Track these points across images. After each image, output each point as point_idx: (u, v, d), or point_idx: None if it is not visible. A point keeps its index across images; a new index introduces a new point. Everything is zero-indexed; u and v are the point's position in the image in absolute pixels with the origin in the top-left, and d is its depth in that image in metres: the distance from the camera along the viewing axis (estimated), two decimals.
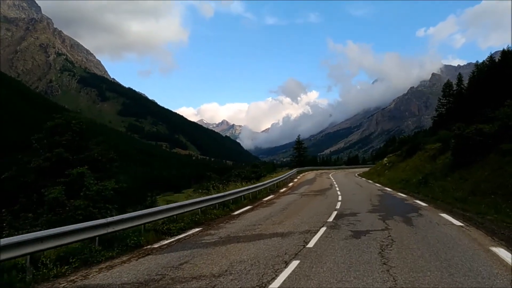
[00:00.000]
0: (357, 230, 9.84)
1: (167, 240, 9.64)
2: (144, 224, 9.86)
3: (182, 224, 11.24)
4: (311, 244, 8.31)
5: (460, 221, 10.87)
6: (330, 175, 47.25)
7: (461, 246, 7.75)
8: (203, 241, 9.37)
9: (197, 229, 11.05)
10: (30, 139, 20.33)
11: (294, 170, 49.07)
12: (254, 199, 19.21)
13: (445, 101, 58.39)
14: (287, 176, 35.49)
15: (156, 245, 9.00)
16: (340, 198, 19.12)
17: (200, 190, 18.18)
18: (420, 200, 17.60)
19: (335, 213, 13.52)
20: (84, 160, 19.35)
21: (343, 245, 8.09)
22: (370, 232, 9.48)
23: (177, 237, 9.94)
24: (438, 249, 7.51)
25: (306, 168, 67.14)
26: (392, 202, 17.21)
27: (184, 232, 10.54)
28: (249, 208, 15.83)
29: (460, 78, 58.14)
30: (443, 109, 58.57)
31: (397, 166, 39.70)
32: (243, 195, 18.03)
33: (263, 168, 39.42)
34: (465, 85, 56.89)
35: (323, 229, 10.21)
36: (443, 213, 12.80)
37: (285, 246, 8.22)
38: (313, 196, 20.48)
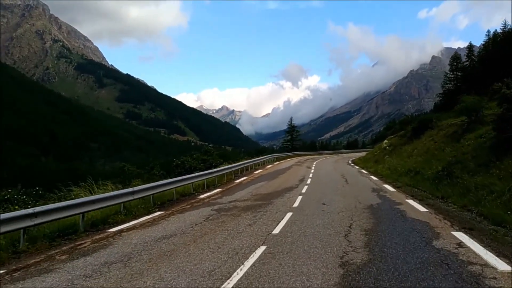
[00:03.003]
0: None
1: None
2: None
3: None
4: None
5: None
6: (314, 163, 36.43)
7: None
8: None
9: None
10: None
11: (267, 156, 38.19)
12: (90, 230, 8.65)
13: (453, 76, 51.35)
14: (244, 165, 24.87)
15: None
16: (283, 222, 8.62)
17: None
18: (466, 230, 7.46)
19: None
20: None
21: None
22: None
23: None
24: None
25: (292, 153, 56.56)
26: (402, 253, 6.31)
27: None
28: None
29: (470, 49, 51.29)
30: (450, 85, 51.60)
31: (401, 150, 29.14)
32: (24, 228, 7.17)
33: (216, 155, 28.65)
34: (475, 56, 50.20)
35: None
36: None
37: None
38: (232, 218, 9.58)
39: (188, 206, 11.66)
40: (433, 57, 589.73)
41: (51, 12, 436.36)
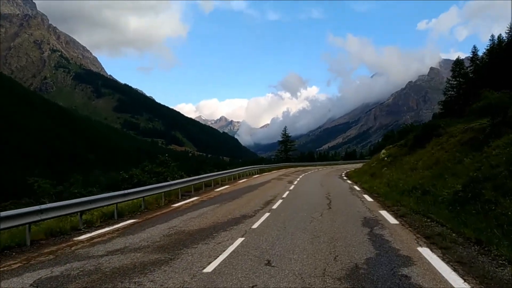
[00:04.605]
0: None
1: None
2: None
3: None
4: None
5: None
6: (300, 176, 31.32)
7: None
8: None
9: None
10: None
11: (244, 168, 32.13)
12: None
13: (455, 82, 47.58)
14: (199, 181, 19.27)
15: None
16: None
17: None
18: None
19: None
20: None
21: None
22: None
23: None
24: None
25: (281, 164, 51.80)
26: None
27: None
28: None
29: (475, 53, 47.97)
30: (453, 92, 48.04)
31: (401, 161, 23.86)
32: None
33: (173, 165, 23.58)
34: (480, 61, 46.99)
35: None
36: None
37: None
38: None
39: (15, 266, 6.43)
40: (432, 69, 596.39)
41: (49, 22, 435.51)
